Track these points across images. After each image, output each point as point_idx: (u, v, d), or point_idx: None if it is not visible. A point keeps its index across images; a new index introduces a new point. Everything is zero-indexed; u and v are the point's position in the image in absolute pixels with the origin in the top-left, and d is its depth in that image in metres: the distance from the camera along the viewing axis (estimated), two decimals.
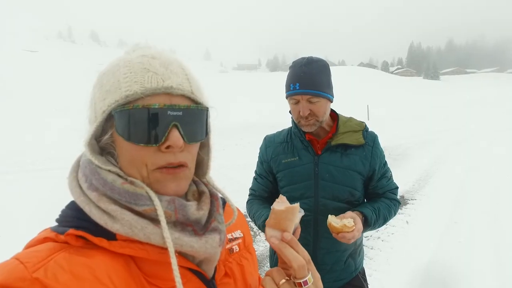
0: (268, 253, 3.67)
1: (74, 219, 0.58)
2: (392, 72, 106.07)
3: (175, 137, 0.58)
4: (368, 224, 1.46)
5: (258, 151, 1.79)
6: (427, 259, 3.62)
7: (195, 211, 0.61)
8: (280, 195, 0.75)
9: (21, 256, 0.51)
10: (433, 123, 18.71)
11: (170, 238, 0.55)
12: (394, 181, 1.71)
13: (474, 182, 6.68)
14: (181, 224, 0.59)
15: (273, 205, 0.70)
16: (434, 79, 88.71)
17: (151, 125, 0.57)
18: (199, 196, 0.69)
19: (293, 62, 1.58)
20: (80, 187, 0.60)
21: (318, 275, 0.65)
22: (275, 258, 1.72)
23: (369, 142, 1.59)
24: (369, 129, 1.66)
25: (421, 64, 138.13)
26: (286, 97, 1.56)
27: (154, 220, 0.57)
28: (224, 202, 0.77)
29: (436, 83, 71.37)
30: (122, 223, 0.55)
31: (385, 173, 1.63)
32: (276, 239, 0.65)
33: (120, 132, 0.58)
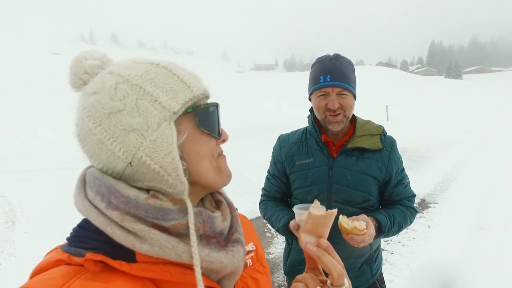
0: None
1: (89, 239, 0.54)
2: (412, 72, 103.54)
3: (226, 132, 0.66)
4: (382, 231, 1.40)
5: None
6: (451, 266, 3.49)
7: (221, 222, 0.60)
8: (315, 200, 0.74)
9: (34, 285, 0.48)
10: (455, 124, 18.10)
11: (197, 254, 0.53)
12: (411, 188, 1.63)
13: (501, 186, 6.39)
14: (206, 237, 0.58)
15: (309, 209, 0.69)
16: (456, 78, 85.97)
17: (217, 121, 0.63)
18: (216, 205, 0.68)
19: (318, 58, 1.55)
20: (95, 207, 0.54)
21: (350, 282, 0.65)
22: (288, 263, 1.68)
23: (387, 147, 1.53)
24: (387, 133, 1.60)
25: (443, 62, 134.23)
26: (313, 91, 1.49)
27: (182, 236, 0.55)
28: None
29: (459, 82, 69.11)
30: (152, 243, 0.52)
31: (402, 179, 1.56)
32: (312, 246, 0.64)
33: (204, 126, 0.60)
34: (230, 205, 0.69)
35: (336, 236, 1.49)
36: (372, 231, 1.30)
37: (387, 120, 20.03)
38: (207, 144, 0.61)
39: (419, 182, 6.56)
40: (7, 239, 4.73)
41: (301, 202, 1.47)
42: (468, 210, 5.18)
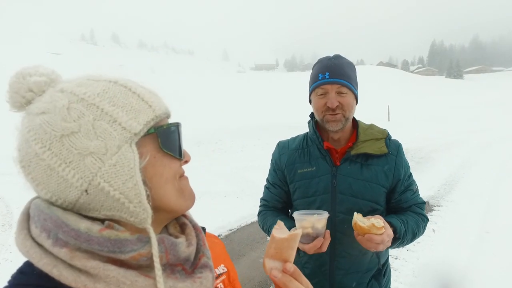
0: None
1: (30, 287, 0.48)
2: (412, 71, 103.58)
3: (187, 152, 0.63)
4: (397, 236, 1.30)
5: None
6: (458, 273, 3.40)
7: (186, 248, 0.56)
8: (278, 221, 0.70)
9: None
10: (457, 124, 18.02)
11: None
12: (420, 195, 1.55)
13: (506, 188, 6.29)
14: (170, 266, 0.53)
15: (272, 232, 0.66)
16: (457, 78, 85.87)
17: (179, 142, 0.60)
18: (180, 228, 0.64)
19: (319, 59, 1.51)
20: (40, 246, 0.48)
21: None
22: None
23: (393, 151, 1.45)
24: (392, 137, 1.52)
25: (443, 62, 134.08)
26: (312, 90, 1.44)
27: (142, 268, 0.50)
28: (204, 232, 0.73)
29: (460, 82, 69.04)
30: (107, 281, 0.46)
31: (409, 185, 1.48)
32: (278, 272, 0.61)
33: (167, 148, 0.57)
34: (195, 227, 0.65)
35: (342, 249, 1.41)
36: (390, 231, 1.21)
37: (389, 120, 19.94)
38: (170, 166, 0.57)
39: (422, 184, 6.43)
40: (3, 243, 4.65)
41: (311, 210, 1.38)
42: (473, 213, 5.08)
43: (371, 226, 1.14)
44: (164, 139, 0.57)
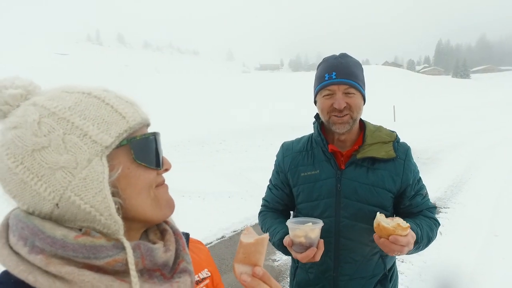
0: (290, 264, 3.50)
1: None
2: (418, 71, 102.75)
3: (168, 160, 0.63)
4: (416, 239, 1.24)
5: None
6: (466, 276, 3.33)
7: (163, 253, 0.57)
8: (247, 226, 0.72)
9: None
10: (464, 125, 17.80)
11: None
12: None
13: None
14: (148, 271, 0.54)
15: (240, 237, 0.68)
16: (464, 78, 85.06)
17: (156, 151, 0.60)
18: (161, 235, 0.65)
19: (324, 58, 1.47)
20: (17, 254, 0.49)
21: None
22: (294, 283, 1.57)
23: (401, 155, 1.40)
24: (401, 140, 1.47)
25: (450, 62, 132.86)
26: (318, 91, 1.39)
27: (118, 273, 0.51)
28: (188, 238, 0.75)
29: (467, 82, 68.35)
30: (82, 286, 0.47)
31: (419, 190, 1.44)
32: (247, 276, 0.63)
33: (141, 159, 0.57)
34: (176, 233, 0.66)
35: (346, 255, 1.38)
36: (413, 232, 1.16)
37: (394, 121, 19.78)
38: (145, 177, 0.57)
39: (428, 186, 6.27)
40: None
41: (306, 217, 1.35)
42: (481, 216, 4.99)
43: (396, 226, 1.08)
44: (138, 150, 0.56)
